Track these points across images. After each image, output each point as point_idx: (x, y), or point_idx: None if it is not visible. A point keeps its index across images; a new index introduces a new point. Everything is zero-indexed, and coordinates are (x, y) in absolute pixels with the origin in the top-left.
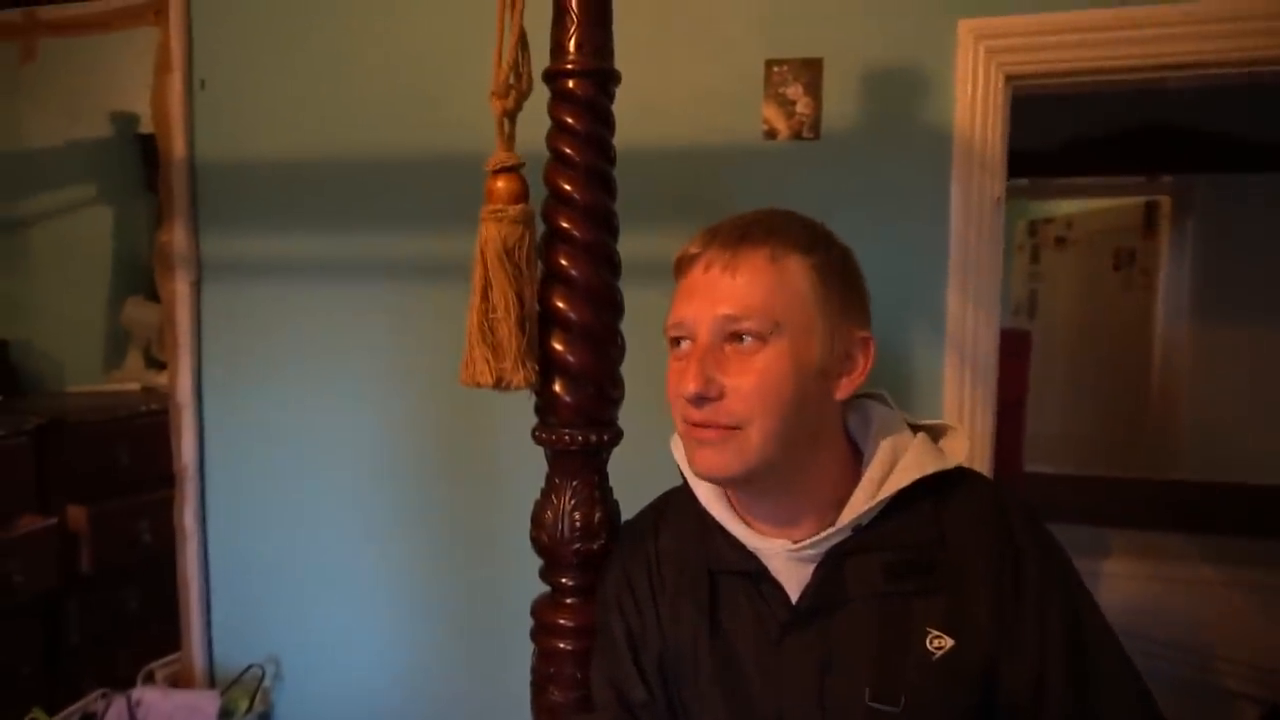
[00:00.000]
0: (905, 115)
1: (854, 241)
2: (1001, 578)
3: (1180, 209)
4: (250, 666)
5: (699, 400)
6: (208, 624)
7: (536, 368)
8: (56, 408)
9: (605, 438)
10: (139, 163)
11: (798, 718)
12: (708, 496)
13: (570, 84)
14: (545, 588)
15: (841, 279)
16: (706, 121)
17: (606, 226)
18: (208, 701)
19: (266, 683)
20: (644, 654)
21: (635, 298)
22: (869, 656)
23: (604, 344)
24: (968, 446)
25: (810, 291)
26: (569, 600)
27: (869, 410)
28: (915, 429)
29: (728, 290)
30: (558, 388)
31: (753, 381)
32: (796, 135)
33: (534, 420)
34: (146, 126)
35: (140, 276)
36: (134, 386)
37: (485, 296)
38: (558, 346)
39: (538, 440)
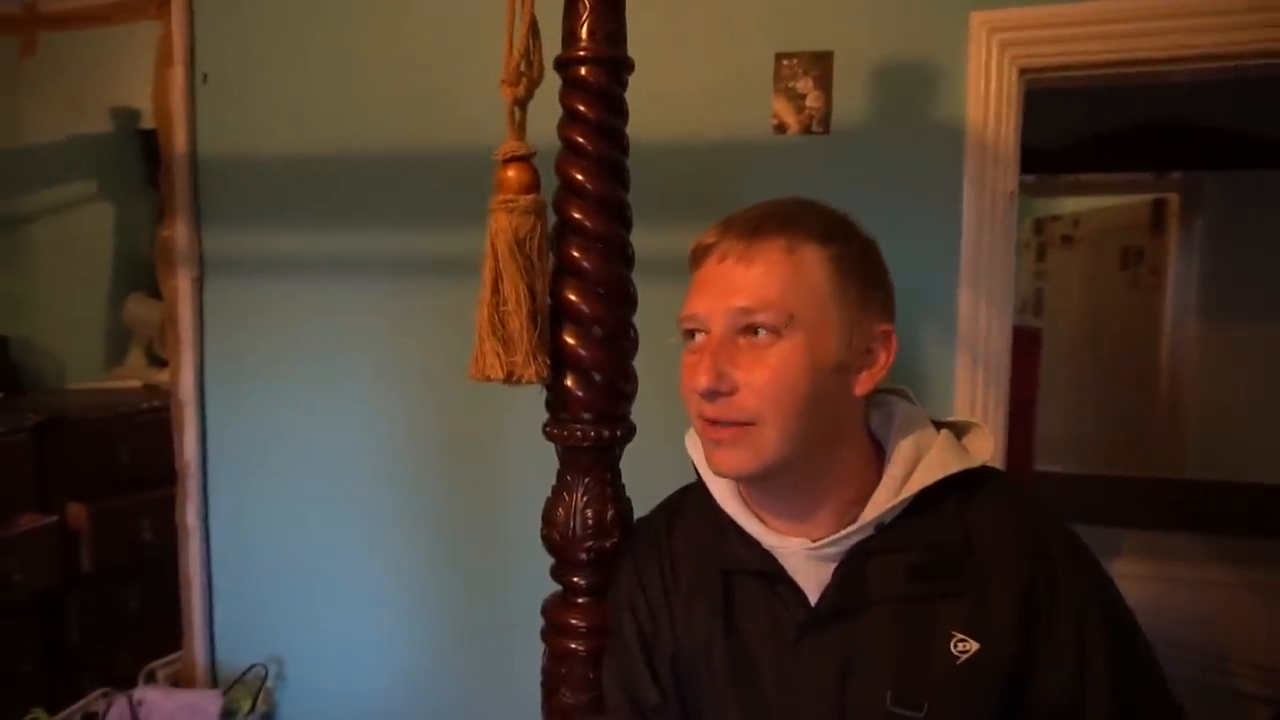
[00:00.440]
0: (916, 109)
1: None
2: (1033, 579)
3: (1189, 207)
4: (253, 666)
5: (711, 395)
6: (210, 623)
7: (548, 362)
8: (57, 405)
9: (618, 433)
10: (141, 158)
11: None
12: (723, 494)
13: (582, 71)
14: (555, 587)
15: (861, 271)
16: (715, 116)
17: (619, 218)
18: (210, 701)
19: (269, 682)
20: (657, 655)
21: (645, 291)
22: (891, 659)
23: (617, 338)
24: (992, 445)
25: (827, 284)
26: (581, 600)
27: (892, 406)
28: (938, 426)
29: (742, 282)
30: (569, 382)
31: (766, 376)
32: (806, 129)
33: (543, 416)
34: (148, 122)
35: (142, 273)
36: (135, 384)
37: (496, 289)
38: (570, 340)
39: (549, 436)
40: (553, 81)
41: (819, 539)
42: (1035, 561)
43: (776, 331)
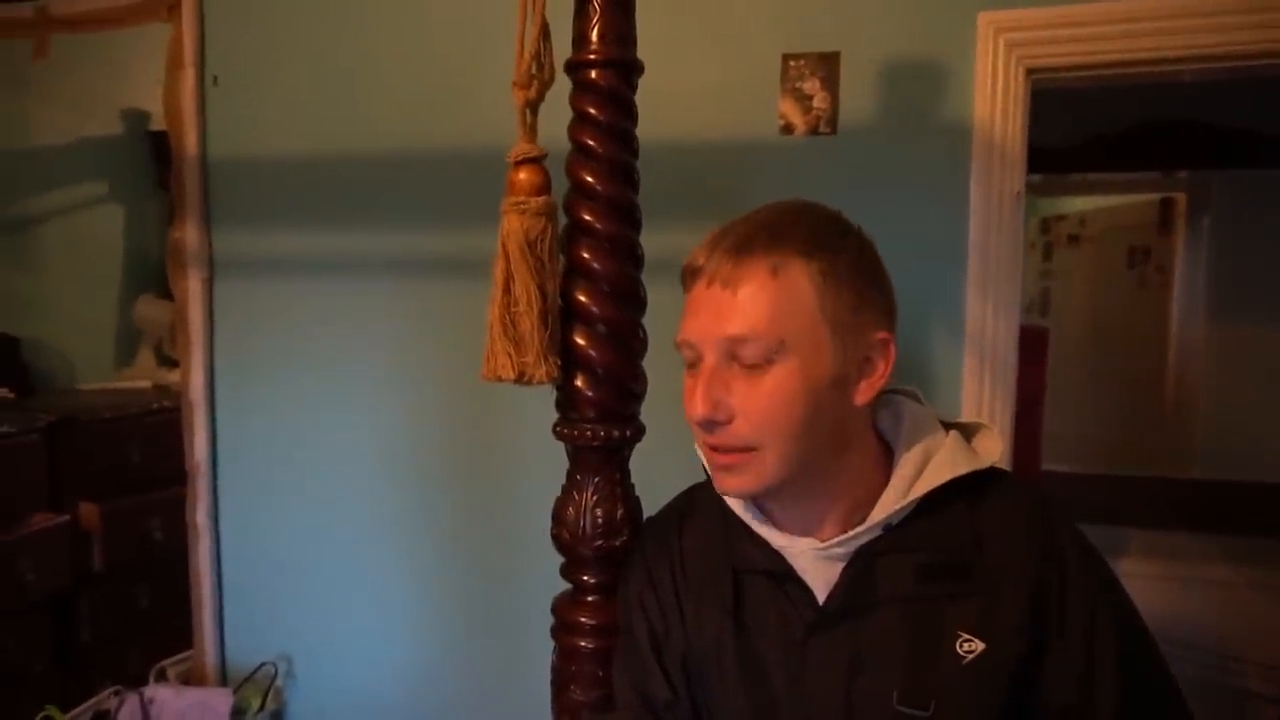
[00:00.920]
0: (923, 110)
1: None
2: (1042, 579)
3: (1196, 206)
4: (263, 664)
5: (709, 425)
6: (220, 621)
7: (559, 362)
8: (68, 405)
9: (627, 433)
10: (151, 160)
11: None
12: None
13: (593, 74)
14: (565, 585)
15: (853, 280)
16: (722, 116)
17: (629, 219)
18: (220, 699)
19: (279, 680)
20: (667, 654)
21: (654, 292)
22: (898, 659)
23: (626, 338)
24: (1001, 446)
25: (817, 301)
26: (590, 598)
27: (900, 407)
28: (947, 427)
29: (730, 309)
30: (579, 383)
31: (761, 404)
32: (813, 130)
33: (552, 416)
34: (158, 123)
35: (152, 274)
36: (146, 384)
37: (507, 290)
38: (580, 341)
39: (559, 436)
40: (564, 84)
41: (827, 539)
42: (1044, 562)
43: (768, 358)
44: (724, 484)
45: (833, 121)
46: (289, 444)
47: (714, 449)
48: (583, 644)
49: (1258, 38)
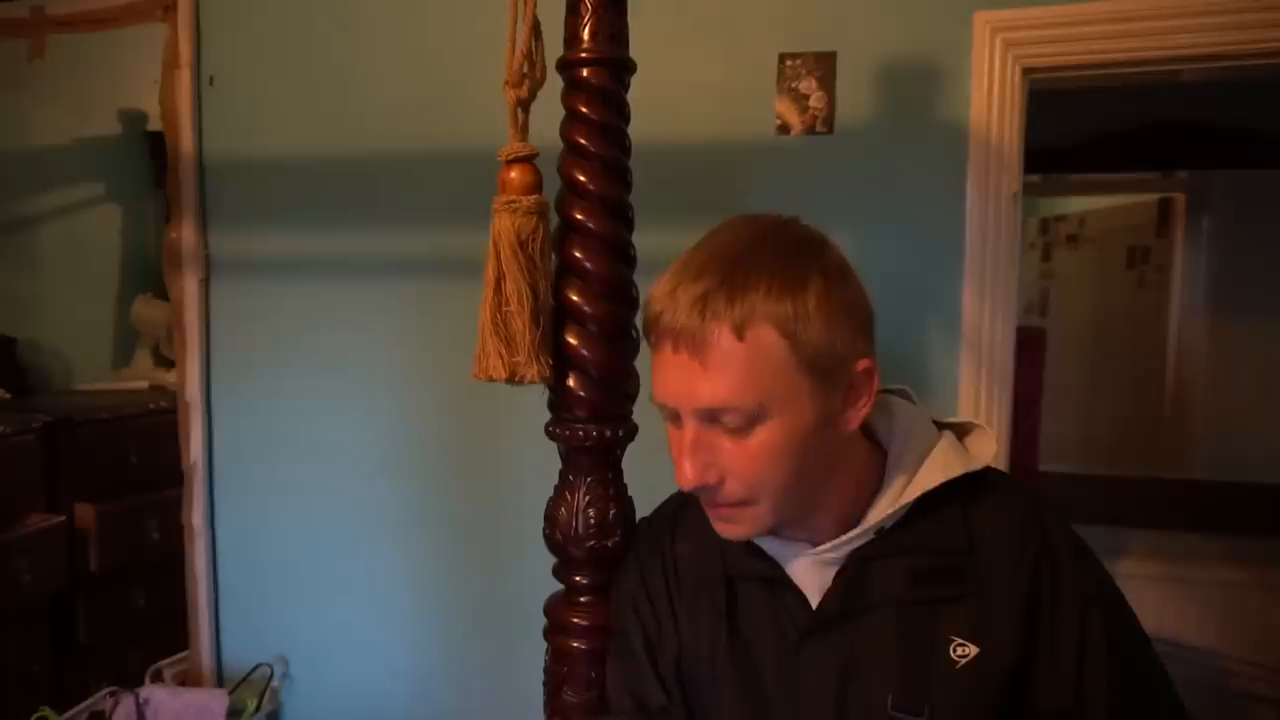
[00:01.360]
0: (920, 109)
1: (867, 238)
2: (1035, 582)
3: (1195, 206)
4: (259, 665)
5: (699, 490)
6: (216, 622)
7: (551, 362)
8: (65, 406)
9: (620, 433)
10: (147, 160)
11: None
12: None
13: (585, 73)
14: (559, 586)
15: (825, 317)
16: (718, 116)
17: (621, 218)
18: (216, 700)
19: (275, 681)
20: (661, 659)
21: (647, 291)
22: (892, 664)
23: (618, 338)
24: (995, 446)
25: (791, 355)
26: (583, 599)
27: (893, 408)
28: (940, 427)
29: (700, 380)
30: (571, 382)
31: (748, 465)
32: (810, 130)
33: (545, 416)
34: (155, 124)
35: (149, 274)
36: (142, 385)
37: (499, 289)
38: (572, 341)
39: (551, 436)
40: (555, 83)
41: (821, 544)
42: (1038, 564)
43: (750, 422)
44: (721, 530)
45: (829, 121)
46: (285, 444)
47: (708, 503)
48: (576, 645)
49: (1257, 38)
